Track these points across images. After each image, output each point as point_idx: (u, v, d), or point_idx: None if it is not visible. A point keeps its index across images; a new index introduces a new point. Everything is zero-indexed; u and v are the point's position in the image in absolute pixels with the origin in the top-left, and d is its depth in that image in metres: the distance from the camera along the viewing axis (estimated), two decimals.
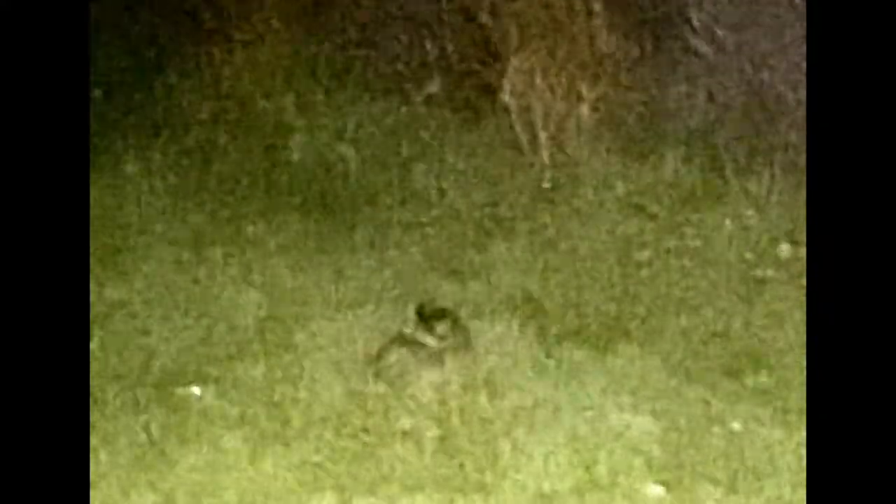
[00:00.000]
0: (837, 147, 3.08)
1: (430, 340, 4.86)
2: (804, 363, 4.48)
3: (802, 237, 5.49)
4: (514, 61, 6.44)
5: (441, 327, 4.89)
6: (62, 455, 3.00)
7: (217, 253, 5.62)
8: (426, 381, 4.77)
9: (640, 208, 5.93)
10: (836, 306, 3.00)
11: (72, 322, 3.06)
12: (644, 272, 5.50)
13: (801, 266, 5.36)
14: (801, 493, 4.09)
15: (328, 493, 4.23)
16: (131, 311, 5.20)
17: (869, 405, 2.94)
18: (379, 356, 4.89)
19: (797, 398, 4.57)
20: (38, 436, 2.98)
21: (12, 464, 2.97)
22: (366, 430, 4.55)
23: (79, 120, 3.18)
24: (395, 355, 4.88)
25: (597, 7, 6.45)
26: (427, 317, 4.92)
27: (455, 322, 4.94)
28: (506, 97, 6.42)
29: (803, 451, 4.21)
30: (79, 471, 3.08)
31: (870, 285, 3.00)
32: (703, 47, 6.46)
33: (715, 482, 4.28)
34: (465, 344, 4.92)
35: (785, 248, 5.59)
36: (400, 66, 6.83)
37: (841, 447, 2.94)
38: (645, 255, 5.62)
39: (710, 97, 6.38)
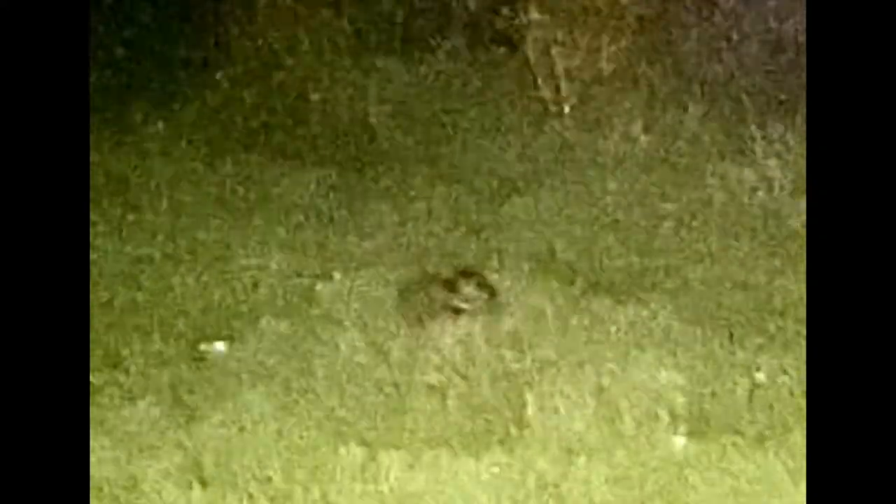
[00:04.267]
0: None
1: (456, 301, 4.80)
2: None
3: None
4: (535, 14, 6.35)
5: (467, 289, 4.83)
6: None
7: (241, 209, 5.56)
8: (451, 335, 4.69)
9: (662, 160, 5.86)
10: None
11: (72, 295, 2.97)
12: (667, 224, 5.43)
13: None
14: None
15: (353, 448, 4.16)
16: (156, 268, 5.14)
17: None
18: (402, 311, 4.82)
19: None
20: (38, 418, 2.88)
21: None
22: (390, 385, 4.48)
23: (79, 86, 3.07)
24: (419, 310, 4.80)
25: None
26: (452, 277, 4.87)
27: (480, 281, 4.87)
28: (527, 50, 6.34)
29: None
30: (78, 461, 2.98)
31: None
32: None
33: (740, 433, 4.18)
34: (489, 299, 4.85)
35: None
36: (421, 21, 6.74)
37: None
38: (668, 206, 5.54)
39: (732, 48, 6.29)
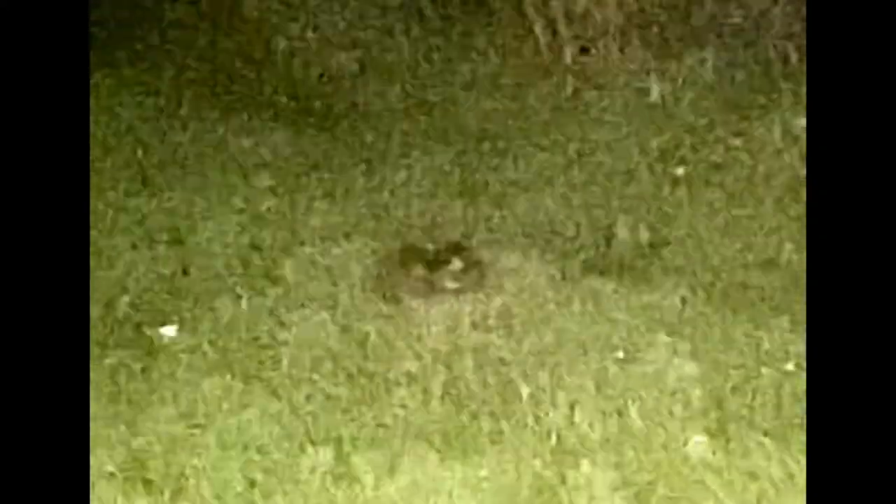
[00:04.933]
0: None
1: (441, 279, 4.82)
2: None
3: None
4: None
5: (453, 265, 4.85)
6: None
7: (193, 172, 5.57)
8: (433, 318, 4.69)
9: (675, 117, 5.86)
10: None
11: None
12: (681, 191, 5.44)
13: None
14: None
15: (321, 448, 4.18)
16: (94, 241, 5.12)
17: None
18: (378, 290, 4.82)
19: None
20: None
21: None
22: (364, 375, 4.48)
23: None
24: (396, 289, 4.82)
25: None
26: (436, 251, 4.88)
27: (466, 254, 4.89)
28: None
29: None
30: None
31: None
32: None
33: (766, 432, 4.20)
34: (478, 277, 4.86)
35: None
36: None
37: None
38: (682, 171, 5.55)
39: None
